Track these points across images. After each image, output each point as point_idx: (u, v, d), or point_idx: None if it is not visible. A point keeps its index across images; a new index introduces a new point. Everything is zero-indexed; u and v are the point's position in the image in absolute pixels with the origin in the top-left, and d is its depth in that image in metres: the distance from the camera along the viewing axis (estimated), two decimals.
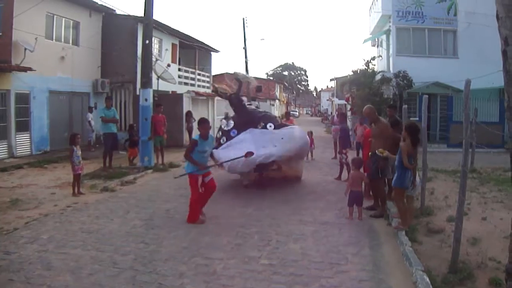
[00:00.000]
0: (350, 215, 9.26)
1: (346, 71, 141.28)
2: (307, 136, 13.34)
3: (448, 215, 8.71)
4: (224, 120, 13.42)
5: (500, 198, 10.40)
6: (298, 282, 5.82)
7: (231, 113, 13.96)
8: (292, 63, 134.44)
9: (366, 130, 12.31)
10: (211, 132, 9.18)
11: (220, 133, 12.72)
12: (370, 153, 9.93)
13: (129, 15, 23.84)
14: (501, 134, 17.72)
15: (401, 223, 8.02)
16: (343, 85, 37.95)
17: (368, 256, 6.92)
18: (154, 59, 20.96)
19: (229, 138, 12.32)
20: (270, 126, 12.57)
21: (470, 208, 9.28)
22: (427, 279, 5.54)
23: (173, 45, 29.90)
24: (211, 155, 10.84)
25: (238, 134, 12.38)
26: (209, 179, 9.04)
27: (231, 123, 12.91)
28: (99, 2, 22.31)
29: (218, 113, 30.46)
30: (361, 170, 10.04)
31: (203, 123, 8.95)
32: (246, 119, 12.74)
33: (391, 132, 9.56)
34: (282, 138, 12.24)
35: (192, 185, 8.84)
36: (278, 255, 6.90)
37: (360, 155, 14.19)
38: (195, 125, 24.85)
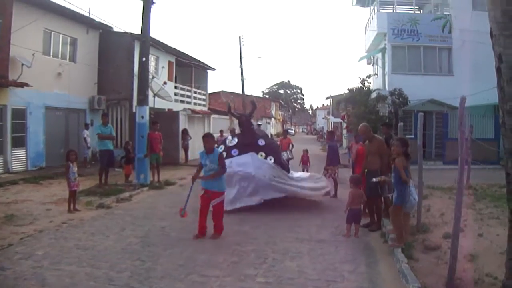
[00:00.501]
0: (348, 232, 9.25)
1: (341, 89, 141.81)
2: (324, 185, 12.95)
3: (444, 232, 8.70)
4: (230, 136, 13.45)
5: (496, 214, 10.39)
6: None
7: (226, 130, 14.05)
8: (288, 81, 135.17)
9: (359, 148, 12.35)
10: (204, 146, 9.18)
11: (222, 147, 12.73)
12: (366, 171, 9.96)
13: (126, 33, 23.95)
14: (496, 150, 17.79)
15: (397, 241, 8.00)
16: (339, 103, 38.15)
17: (365, 273, 6.91)
18: (150, 77, 21.07)
19: (229, 155, 12.29)
20: (271, 159, 12.58)
21: (466, 224, 9.27)
22: None
23: (170, 62, 30.09)
24: None
25: (238, 154, 12.44)
26: (215, 203, 8.96)
27: (235, 140, 13.01)
28: (97, 19, 22.46)
29: (214, 131, 30.49)
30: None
31: (204, 137, 9.16)
32: (249, 142, 12.75)
33: (386, 149, 9.61)
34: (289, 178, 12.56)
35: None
36: (275, 273, 6.87)
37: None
38: (191, 142, 25.04)
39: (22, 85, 17.50)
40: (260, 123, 22.90)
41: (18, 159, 18.44)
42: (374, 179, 9.17)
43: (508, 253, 4.66)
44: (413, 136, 18.41)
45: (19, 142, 18.50)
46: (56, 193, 13.63)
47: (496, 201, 11.77)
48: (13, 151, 18.12)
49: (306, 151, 18.69)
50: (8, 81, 17.11)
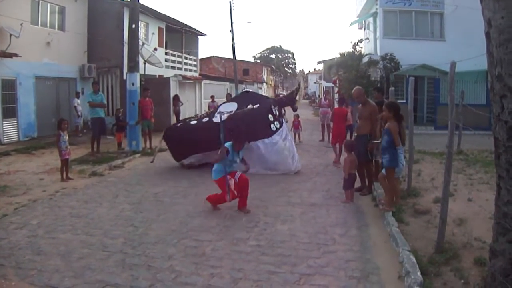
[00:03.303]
0: (347, 198, 9.23)
1: (333, 53, 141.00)
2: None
3: (435, 196, 8.78)
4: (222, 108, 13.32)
5: (486, 179, 10.48)
6: (286, 263, 5.89)
7: (217, 97, 13.98)
8: (280, 46, 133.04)
9: (335, 108, 12.43)
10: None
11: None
12: (355, 135, 9.99)
13: (115, 0, 23.63)
14: (488, 116, 17.82)
15: (388, 204, 8.06)
16: (331, 67, 37.83)
17: (355, 236, 7.01)
18: (140, 43, 20.85)
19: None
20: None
21: (456, 189, 9.38)
22: (414, 259, 5.60)
23: (160, 29, 29.76)
24: None
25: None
26: (239, 175, 8.52)
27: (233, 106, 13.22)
28: None
29: (205, 97, 30.43)
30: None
31: (237, 140, 8.62)
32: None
33: (378, 114, 9.59)
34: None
35: (222, 187, 8.50)
36: (266, 236, 6.98)
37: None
38: (182, 108, 24.96)
39: (11, 55, 17.29)
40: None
41: (9, 130, 18.32)
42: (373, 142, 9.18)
43: (496, 217, 4.72)
44: (404, 101, 18.46)
45: (10, 113, 18.33)
46: (48, 163, 13.64)
47: (487, 167, 11.87)
48: (4, 122, 17.97)
49: (297, 116, 18.75)
50: None
